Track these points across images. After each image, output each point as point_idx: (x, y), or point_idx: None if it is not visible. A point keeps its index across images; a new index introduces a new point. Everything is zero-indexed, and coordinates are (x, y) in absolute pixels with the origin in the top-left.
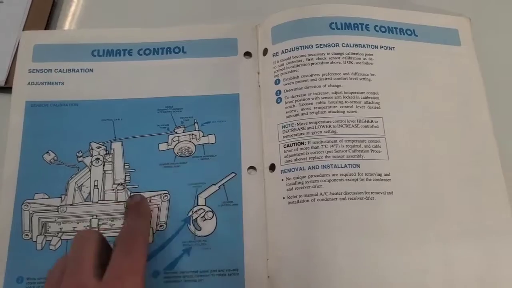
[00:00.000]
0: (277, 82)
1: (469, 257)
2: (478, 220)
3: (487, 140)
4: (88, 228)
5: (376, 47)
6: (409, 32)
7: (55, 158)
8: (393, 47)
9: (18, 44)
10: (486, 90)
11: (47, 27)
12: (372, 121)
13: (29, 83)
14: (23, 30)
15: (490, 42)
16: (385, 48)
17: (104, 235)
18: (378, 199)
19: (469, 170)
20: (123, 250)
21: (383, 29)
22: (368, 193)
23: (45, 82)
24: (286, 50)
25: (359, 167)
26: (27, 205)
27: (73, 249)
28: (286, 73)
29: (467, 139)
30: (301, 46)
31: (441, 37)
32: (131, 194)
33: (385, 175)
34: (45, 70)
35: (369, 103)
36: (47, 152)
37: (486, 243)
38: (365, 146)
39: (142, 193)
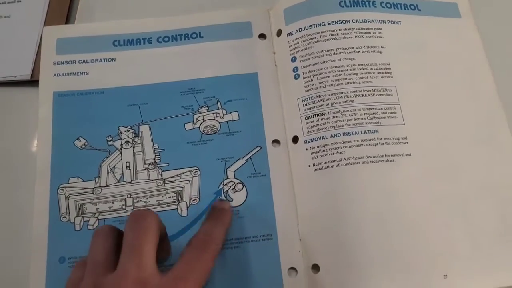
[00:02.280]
0: (293, 59)
1: (487, 210)
2: (492, 176)
3: (493, 103)
4: (124, 206)
5: (383, 21)
6: (412, 7)
7: (86, 143)
8: (399, 21)
9: (41, 39)
10: (488, 57)
11: (67, 21)
12: (386, 90)
13: (55, 75)
14: (44, 26)
15: (487, 12)
16: (392, 22)
17: None
18: (398, 161)
19: (479, 131)
20: (197, 252)
21: (388, 5)
22: (388, 155)
23: (70, 73)
24: (300, 29)
25: (378, 132)
26: (63, 189)
27: (131, 234)
28: (301, 50)
29: (474, 105)
30: (314, 25)
31: (442, 11)
32: (220, 198)
33: (402, 138)
34: (69, 62)
35: (382, 73)
36: (77, 139)
37: (500, 196)
38: (382, 113)
39: (174, 170)
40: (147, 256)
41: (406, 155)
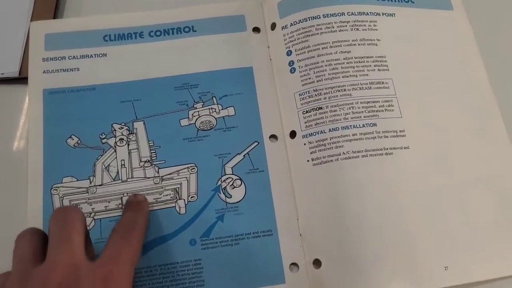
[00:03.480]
0: (289, 53)
1: (483, 201)
2: (487, 167)
3: (487, 96)
4: (120, 206)
5: (378, 14)
6: (406, 0)
7: (79, 142)
8: (394, 14)
9: (28, 35)
10: (480, 48)
11: (55, 15)
12: (383, 83)
13: (44, 72)
14: (31, 21)
15: (479, 4)
16: (386, 15)
17: None
18: (396, 154)
19: (473, 122)
20: (122, 237)
21: None
22: (387, 149)
23: (60, 70)
24: (295, 22)
25: (376, 125)
26: (56, 189)
27: (57, 226)
28: (297, 43)
29: (468, 96)
30: (309, 18)
31: (434, 3)
32: (131, 194)
33: (400, 131)
34: (59, 58)
35: (379, 66)
36: (70, 137)
37: (496, 187)
38: (379, 106)
39: (171, 167)
40: (75, 242)
41: (405, 147)
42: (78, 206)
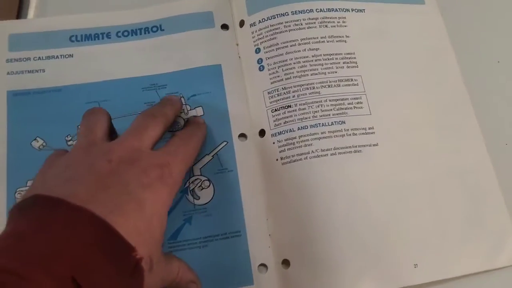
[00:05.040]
0: (257, 51)
1: (455, 197)
2: (458, 162)
3: (458, 91)
4: None
5: (347, 10)
6: None
7: (44, 144)
8: (364, 9)
9: None
10: (452, 43)
11: (19, 15)
12: (352, 80)
13: (8, 73)
14: None
15: None
16: (356, 11)
17: None
18: (365, 151)
19: (445, 117)
20: (182, 139)
21: None
22: (356, 146)
23: (25, 71)
24: (263, 19)
25: (344, 123)
26: (21, 193)
27: (141, 117)
28: (265, 41)
29: (440, 91)
30: (277, 15)
31: None
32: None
33: (369, 128)
34: (24, 59)
35: (347, 63)
36: (35, 139)
37: (469, 184)
38: (348, 104)
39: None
40: (149, 134)
41: (373, 145)
42: None
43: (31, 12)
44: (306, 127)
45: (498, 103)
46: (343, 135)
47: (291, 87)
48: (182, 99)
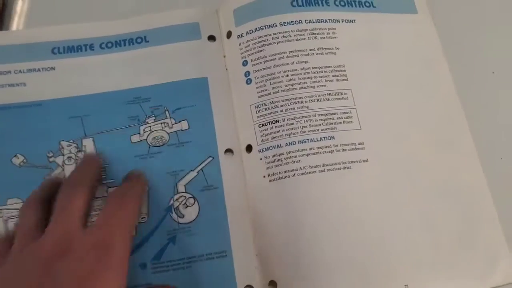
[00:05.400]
0: (245, 63)
1: (448, 215)
2: (452, 180)
3: (452, 103)
4: None
5: (338, 21)
6: (367, 4)
7: (25, 160)
8: (354, 20)
9: None
10: (446, 53)
11: (0, 28)
12: (341, 93)
13: None
14: None
15: (445, 7)
16: (346, 21)
17: None
18: (354, 167)
19: (438, 132)
20: (117, 203)
21: (342, 3)
22: (345, 162)
23: (6, 85)
24: (251, 31)
25: (334, 138)
26: (0, 212)
27: (62, 193)
28: (253, 53)
29: (433, 103)
30: (265, 26)
31: (398, 7)
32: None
33: (359, 144)
34: (4, 72)
35: (337, 76)
36: (15, 156)
37: (462, 201)
38: (337, 118)
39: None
40: (76, 207)
41: (363, 161)
42: None
43: (14, 23)
44: (294, 142)
45: (493, 116)
46: (332, 151)
47: (279, 101)
48: (167, 112)
